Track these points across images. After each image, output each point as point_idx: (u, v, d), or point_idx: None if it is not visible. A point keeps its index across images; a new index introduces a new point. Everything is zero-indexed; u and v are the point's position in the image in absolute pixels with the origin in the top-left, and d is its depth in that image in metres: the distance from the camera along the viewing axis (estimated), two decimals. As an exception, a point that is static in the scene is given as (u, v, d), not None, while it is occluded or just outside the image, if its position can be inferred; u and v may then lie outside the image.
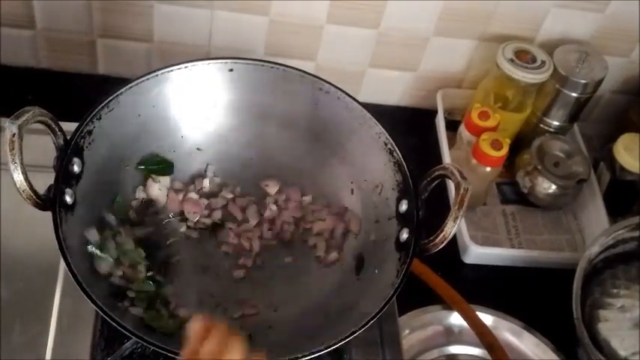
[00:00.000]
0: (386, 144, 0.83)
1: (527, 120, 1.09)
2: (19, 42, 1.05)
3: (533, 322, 0.95)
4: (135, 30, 1.05)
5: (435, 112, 1.14)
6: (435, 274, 0.93)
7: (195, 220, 0.85)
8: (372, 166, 0.85)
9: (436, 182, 0.77)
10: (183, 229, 0.85)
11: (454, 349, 0.94)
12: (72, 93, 1.04)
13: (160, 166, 0.85)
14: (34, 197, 0.70)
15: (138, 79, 0.81)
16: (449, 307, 0.93)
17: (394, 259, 0.77)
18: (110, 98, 0.78)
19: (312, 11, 1.03)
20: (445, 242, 0.72)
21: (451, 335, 0.95)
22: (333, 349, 0.68)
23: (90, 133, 0.77)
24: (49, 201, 0.71)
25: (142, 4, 1.01)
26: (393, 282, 0.73)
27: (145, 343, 0.66)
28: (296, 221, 0.87)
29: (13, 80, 1.06)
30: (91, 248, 0.75)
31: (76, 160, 0.75)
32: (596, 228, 1.02)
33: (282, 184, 0.89)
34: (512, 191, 1.11)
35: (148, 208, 0.84)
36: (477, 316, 0.91)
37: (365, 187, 0.87)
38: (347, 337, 0.68)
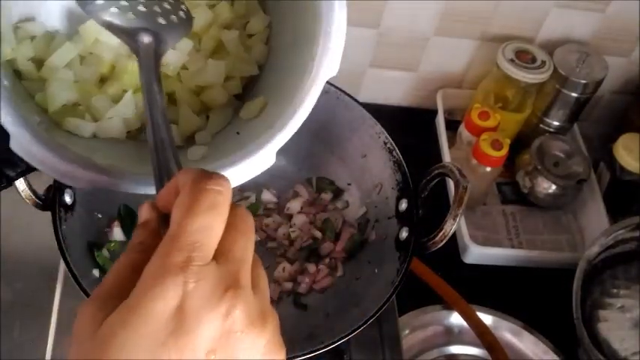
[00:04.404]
0: (385, 143, 0.83)
1: (527, 120, 1.09)
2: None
3: (533, 322, 0.95)
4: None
5: (435, 112, 1.14)
6: (435, 275, 0.93)
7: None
8: (371, 165, 0.85)
9: (436, 181, 0.77)
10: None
11: (454, 349, 0.94)
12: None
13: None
14: (34, 197, 0.70)
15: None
16: (449, 307, 0.93)
17: (394, 257, 0.77)
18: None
19: (312, 11, 1.03)
20: (445, 240, 0.72)
21: (451, 335, 0.95)
22: (333, 349, 0.68)
23: (90, 132, 0.77)
24: (48, 201, 0.71)
25: (142, 4, 1.01)
26: (392, 280, 0.73)
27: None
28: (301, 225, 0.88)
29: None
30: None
31: (75, 159, 0.75)
32: (596, 228, 1.01)
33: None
34: (512, 191, 1.11)
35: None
36: (477, 316, 0.91)
37: (365, 186, 0.87)
38: (347, 336, 0.68)
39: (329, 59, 0.55)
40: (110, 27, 0.51)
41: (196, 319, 0.35)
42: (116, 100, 0.57)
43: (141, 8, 0.52)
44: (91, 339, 0.36)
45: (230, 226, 0.39)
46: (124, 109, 0.56)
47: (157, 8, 0.53)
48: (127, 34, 0.51)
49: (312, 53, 0.55)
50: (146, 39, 0.51)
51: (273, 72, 0.61)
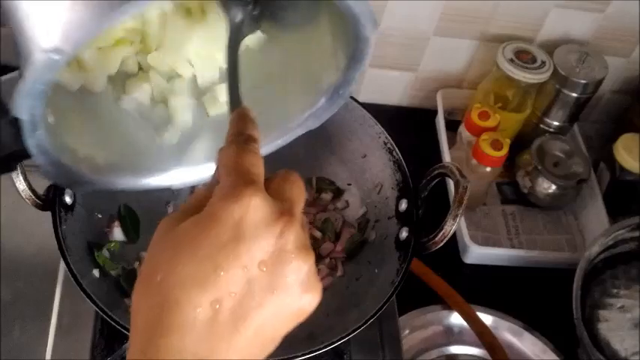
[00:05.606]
0: (385, 143, 0.83)
1: (527, 120, 1.09)
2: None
3: (533, 322, 0.95)
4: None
5: (435, 112, 1.14)
6: (436, 275, 0.93)
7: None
8: (371, 165, 0.85)
9: (436, 181, 0.77)
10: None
11: (454, 349, 0.94)
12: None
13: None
14: (34, 198, 0.70)
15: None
16: (449, 307, 0.93)
17: (394, 257, 0.77)
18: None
19: (312, 11, 1.03)
20: (445, 240, 0.72)
21: (451, 335, 0.95)
22: (333, 349, 0.68)
23: (90, 132, 0.77)
24: (48, 201, 0.71)
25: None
26: (392, 280, 0.73)
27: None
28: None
29: (14, 81, 1.06)
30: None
31: (75, 159, 0.75)
32: (596, 228, 1.01)
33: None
34: (512, 191, 1.11)
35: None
36: (477, 316, 0.91)
37: (365, 186, 0.87)
38: (346, 336, 0.68)
39: (320, 118, 0.61)
40: None
41: (255, 231, 0.40)
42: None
43: None
44: (166, 237, 0.41)
45: (281, 177, 0.45)
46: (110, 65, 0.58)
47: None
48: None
49: (312, 102, 0.60)
50: (239, 15, 0.54)
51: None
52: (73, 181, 0.55)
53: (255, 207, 0.40)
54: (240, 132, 0.45)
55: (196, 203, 0.43)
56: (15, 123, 0.44)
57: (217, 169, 0.44)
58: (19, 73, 0.42)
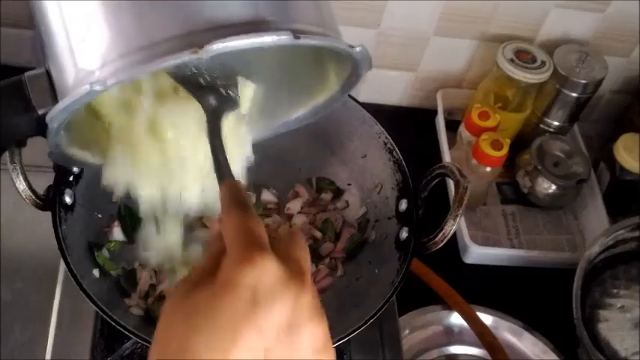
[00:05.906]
0: (385, 143, 0.83)
1: (527, 120, 1.09)
2: (19, 42, 1.05)
3: (533, 322, 0.95)
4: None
5: (435, 112, 1.14)
6: (436, 275, 0.93)
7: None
8: (371, 165, 0.85)
9: (436, 181, 0.77)
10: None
11: (454, 349, 0.94)
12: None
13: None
14: (34, 198, 0.70)
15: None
16: (449, 307, 0.93)
17: (394, 258, 0.77)
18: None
19: (312, 11, 1.03)
20: (445, 240, 0.72)
21: (451, 335, 0.95)
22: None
23: (90, 132, 0.77)
24: (48, 201, 0.71)
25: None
26: (393, 281, 0.73)
27: (145, 343, 0.66)
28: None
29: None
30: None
31: (75, 159, 0.75)
32: (596, 228, 1.02)
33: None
34: (512, 191, 1.11)
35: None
36: (477, 316, 0.91)
37: (365, 186, 0.87)
38: (347, 336, 0.68)
39: (301, 122, 0.66)
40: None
41: (271, 294, 0.39)
42: None
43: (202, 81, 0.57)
44: (180, 307, 0.41)
45: (287, 238, 0.45)
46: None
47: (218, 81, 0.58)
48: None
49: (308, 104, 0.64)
50: (213, 101, 0.56)
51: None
52: (76, 164, 0.60)
53: (269, 270, 0.40)
54: (236, 200, 0.45)
55: (205, 273, 0.42)
56: (38, 119, 0.48)
57: (214, 238, 0.45)
58: (46, 71, 0.48)
